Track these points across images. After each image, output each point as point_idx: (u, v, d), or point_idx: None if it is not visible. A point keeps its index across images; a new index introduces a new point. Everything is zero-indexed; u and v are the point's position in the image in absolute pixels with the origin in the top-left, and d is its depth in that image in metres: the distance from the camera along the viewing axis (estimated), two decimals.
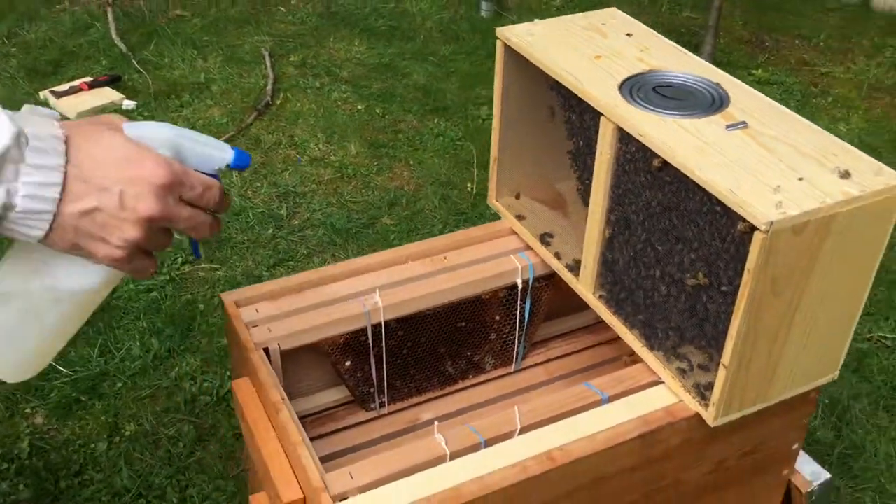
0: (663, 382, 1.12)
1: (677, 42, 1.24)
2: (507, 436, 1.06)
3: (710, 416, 1.05)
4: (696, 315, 1.06)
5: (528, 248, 1.35)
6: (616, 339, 1.52)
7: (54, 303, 0.82)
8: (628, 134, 1.05)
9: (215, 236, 0.77)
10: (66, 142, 0.72)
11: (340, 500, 0.96)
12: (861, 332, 2.37)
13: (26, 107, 0.75)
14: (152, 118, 3.32)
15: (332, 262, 2.32)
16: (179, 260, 2.49)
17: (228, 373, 2.09)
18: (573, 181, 1.44)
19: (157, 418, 1.99)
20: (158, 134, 0.79)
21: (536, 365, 1.46)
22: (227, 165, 0.82)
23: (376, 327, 1.25)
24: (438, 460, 1.03)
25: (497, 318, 1.36)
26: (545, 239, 1.33)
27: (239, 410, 1.15)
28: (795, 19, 4.54)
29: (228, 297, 1.23)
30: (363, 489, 0.98)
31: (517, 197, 1.41)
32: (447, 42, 4.06)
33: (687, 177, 0.98)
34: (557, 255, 1.29)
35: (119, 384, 2.07)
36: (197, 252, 0.89)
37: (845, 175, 0.96)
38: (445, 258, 1.32)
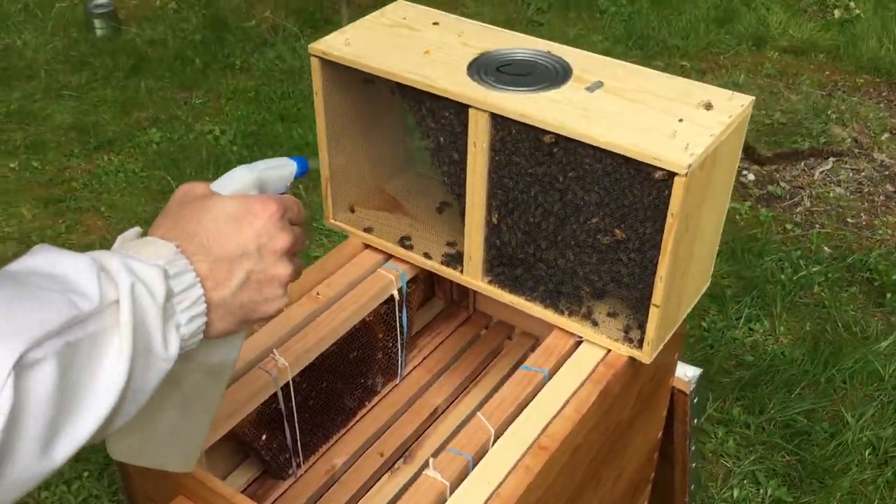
0: (583, 340, 1.18)
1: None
2: (486, 444, 1.05)
3: (645, 354, 1.13)
4: (611, 269, 1.12)
5: (390, 256, 1.32)
6: (470, 318, 1.55)
7: (205, 386, 0.80)
8: (505, 118, 1.07)
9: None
10: (183, 251, 0.70)
11: None
12: None
13: (121, 238, 0.71)
14: None
15: None
16: None
17: None
18: (398, 180, 1.42)
19: None
20: (242, 179, 0.81)
21: (416, 367, 1.44)
22: (295, 176, 0.86)
23: (284, 388, 1.15)
24: (442, 495, 0.99)
25: (381, 335, 1.31)
26: (404, 243, 1.30)
27: None
28: None
29: None
30: None
31: (352, 211, 1.36)
32: (75, 71, 3.70)
33: (584, 144, 1.02)
34: (427, 255, 1.28)
35: None
36: None
37: (709, 107, 1.06)
38: (318, 294, 1.25)
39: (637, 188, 1.03)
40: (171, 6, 4.28)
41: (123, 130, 3.27)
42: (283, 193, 0.82)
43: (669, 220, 1.00)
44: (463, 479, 1.00)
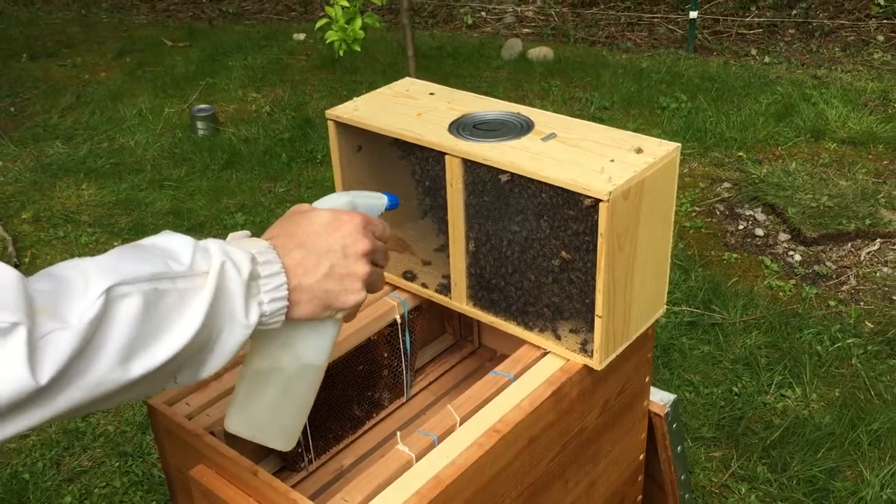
0: (549, 352, 1.38)
1: None
2: (452, 428, 1.26)
3: (595, 362, 1.33)
4: (564, 287, 1.33)
5: (396, 287, 1.56)
6: (475, 351, 1.77)
7: (302, 373, 1.00)
8: (473, 161, 1.31)
9: None
10: (275, 247, 0.92)
11: None
12: None
13: (231, 235, 0.95)
14: None
15: None
16: None
17: None
18: (409, 228, 1.67)
19: None
20: (339, 200, 1.03)
21: (423, 389, 1.65)
22: (386, 208, 1.10)
23: None
24: (409, 464, 1.20)
25: (386, 354, 1.54)
26: (407, 276, 1.54)
27: (208, 497, 1.23)
28: (474, 80, 5.18)
29: (157, 400, 1.31)
30: None
31: None
32: (177, 165, 4.16)
33: (533, 180, 1.26)
34: (424, 286, 1.52)
35: None
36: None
37: (639, 151, 1.29)
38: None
39: (574, 216, 1.25)
40: (265, 109, 4.77)
41: (213, 215, 3.67)
42: None
43: (600, 239, 1.22)
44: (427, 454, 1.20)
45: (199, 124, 4.45)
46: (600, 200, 1.19)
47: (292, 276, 0.93)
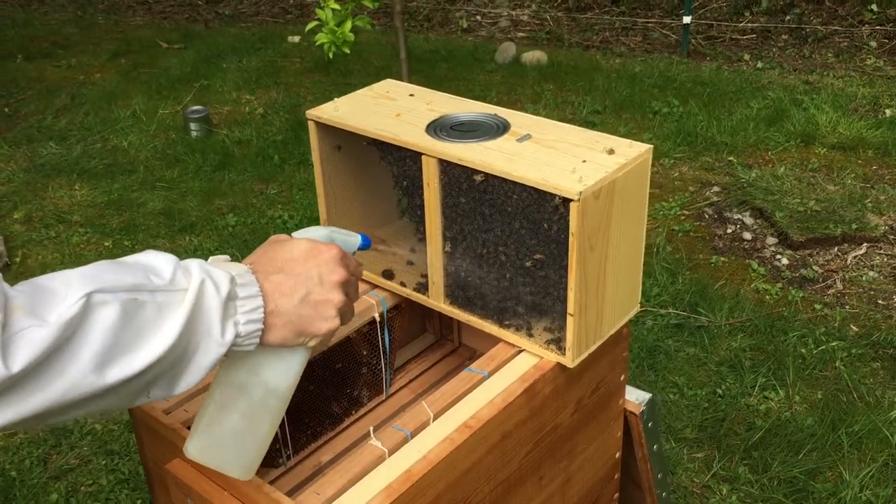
0: (524, 350, 1.40)
1: None
2: (425, 424, 1.27)
3: (568, 359, 1.35)
4: (537, 286, 1.35)
5: (375, 286, 1.58)
6: (456, 349, 1.79)
7: (267, 401, 1.01)
8: (449, 162, 1.34)
9: None
10: (254, 272, 0.96)
11: None
12: None
13: (212, 258, 0.98)
14: None
15: None
16: None
17: None
18: (389, 227, 1.69)
19: None
20: (317, 233, 1.08)
21: (402, 387, 1.67)
22: (359, 247, 1.15)
23: None
24: (381, 458, 1.21)
25: (365, 352, 1.56)
26: (387, 274, 1.56)
27: (184, 491, 1.25)
28: (467, 83, 5.20)
29: None
30: (333, 499, 1.15)
31: None
32: (170, 166, 4.18)
33: (506, 180, 1.28)
34: (403, 284, 1.54)
35: None
36: None
37: (611, 152, 1.31)
38: None
39: (547, 215, 1.28)
40: (259, 111, 4.79)
41: (205, 216, 3.69)
42: None
43: (571, 238, 1.24)
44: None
45: (193, 126, 4.47)
46: (571, 200, 1.21)
47: (269, 300, 0.96)
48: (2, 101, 4.97)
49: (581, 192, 1.20)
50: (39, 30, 6.34)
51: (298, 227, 3.59)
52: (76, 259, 3.35)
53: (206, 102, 4.83)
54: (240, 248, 3.40)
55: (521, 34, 6.42)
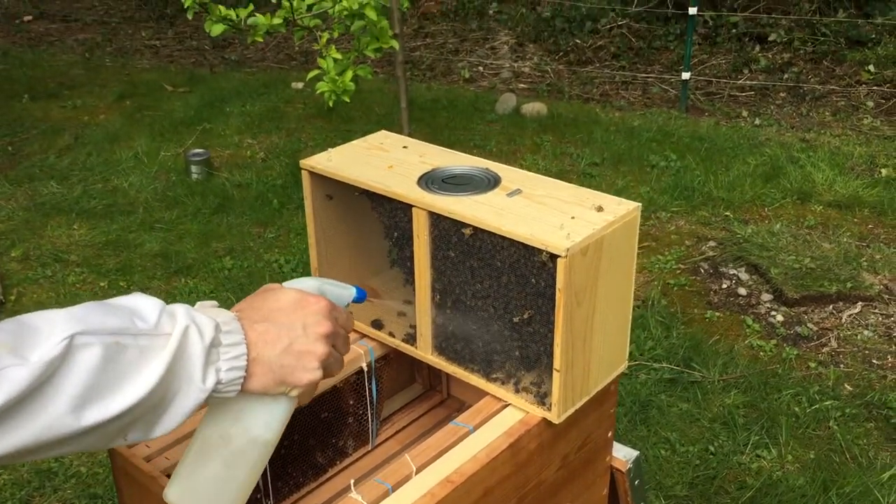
0: (510, 404, 1.40)
1: None
2: (407, 477, 1.27)
3: (554, 415, 1.34)
4: (524, 340, 1.35)
5: (364, 336, 1.58)
6: (444, 401, 1.78)
7: (249, 449, 1.00)
8: (439, 215, 1.34)
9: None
10: (240, 319, 0.96)
11: None
12: None
13: (199, 304, 0.98)
14: None
15: None
16: None
17: None
18: (379, 277, 1.70)
19: None
20: (308, 284, 1.08)
21: (389, 438, 1.66)
22: (353, 300, 1.14)
23: None
24: None
25: (351, 402, 1.56)
26: (376, 324, 1.56)
27: None
28: (467, 132, 5.25)
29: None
30: None
31: None
32: (169, 208, 4.20)
33: (495, 235, 1.29)
34: (391, 335, 1.54)
35: None
36: None
37: (600, 209, 1.32)
38: None
39: (535, 270, 1.28)
40: (260, 156, 4.83)
41: (201, 258, 3.69)
42: None
43: (558, 294, 1.24)
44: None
45: (194, 168, 4.51)
46: (558, 256, 1.22)
47: (253, 348, 0.96)
48: (6, 139, 5.01)
49: (569, 249, 1.21)
50: (47, 70, 6.43)
51: (294, 271, 3.60)
52: (71, 298, 3.35)
53: (208, 145, 4.88)
54: (235, 292, 3.40)
55: (523, 85, 6.50)
